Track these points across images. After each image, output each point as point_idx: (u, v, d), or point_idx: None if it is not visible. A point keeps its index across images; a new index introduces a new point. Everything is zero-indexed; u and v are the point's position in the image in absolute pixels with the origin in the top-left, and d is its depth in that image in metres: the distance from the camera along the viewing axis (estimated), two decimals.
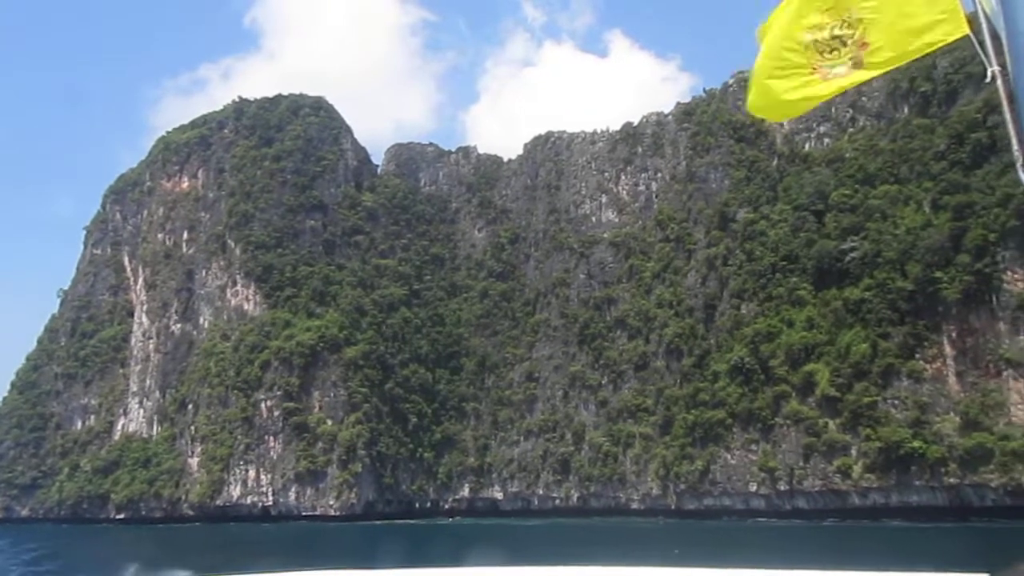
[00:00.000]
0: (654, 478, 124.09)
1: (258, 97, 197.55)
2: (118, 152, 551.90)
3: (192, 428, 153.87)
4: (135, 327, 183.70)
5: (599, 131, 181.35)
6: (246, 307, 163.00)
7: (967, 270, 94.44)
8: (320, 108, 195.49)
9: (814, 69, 4.68)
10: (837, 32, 4.58)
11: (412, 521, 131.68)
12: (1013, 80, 3.54)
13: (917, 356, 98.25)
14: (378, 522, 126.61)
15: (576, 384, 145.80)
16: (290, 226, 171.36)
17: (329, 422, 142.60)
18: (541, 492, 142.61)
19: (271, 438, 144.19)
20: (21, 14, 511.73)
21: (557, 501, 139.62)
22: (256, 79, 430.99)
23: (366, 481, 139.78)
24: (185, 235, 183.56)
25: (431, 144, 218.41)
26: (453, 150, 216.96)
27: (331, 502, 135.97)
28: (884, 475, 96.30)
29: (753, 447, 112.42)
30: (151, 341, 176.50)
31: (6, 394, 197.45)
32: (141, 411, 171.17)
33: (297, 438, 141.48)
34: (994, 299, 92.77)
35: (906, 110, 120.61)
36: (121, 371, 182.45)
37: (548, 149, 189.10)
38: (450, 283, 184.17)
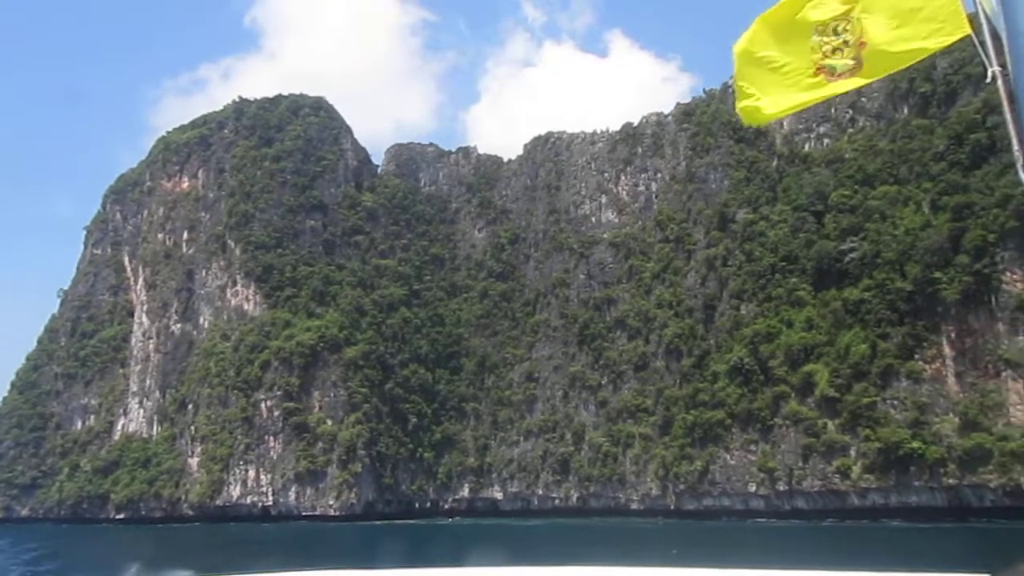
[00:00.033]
0: (653, 478, 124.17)
1: (258, 97, 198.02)
2: (118, 152, 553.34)
3: (192, 428, 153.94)
4: (135, 327, 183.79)
5: (599, 131, 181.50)
6: (246, 307, 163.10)
7: (966, 271, 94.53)
8: (320, 108, 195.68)
9: (817, 70, 4.72)
10: (838, 33, 4.61)
11: (412, 521, 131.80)
12: (1013, 80, 3.56)
13: (916, 357, 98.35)
14: (378, 522, 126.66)
15: (576, 384, 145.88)
16: (290, 226, 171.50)
17: (329, 422, 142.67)
18: (541, 492, 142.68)
19: (271, 438, 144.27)
20: (21, 14, 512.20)
21: (557, 501, 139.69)
22: (256, 79, 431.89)
23: (366, 481, 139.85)
24: (185, 235, 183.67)
25: (431, 144, 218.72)
26: (453, 150, 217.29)
27: (331, 502, 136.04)
28: (883, 475, 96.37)
29: (752, 447, 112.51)
30: (151, 341, 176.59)
31: (6, 394, 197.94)
32: (141, 411, 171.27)
33: (297, 438, 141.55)
34: (993, 300, 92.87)
35: (906, 111, 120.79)
36: (121, 371, 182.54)
37: (548, 149, 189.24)
38: (450, 283, 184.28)
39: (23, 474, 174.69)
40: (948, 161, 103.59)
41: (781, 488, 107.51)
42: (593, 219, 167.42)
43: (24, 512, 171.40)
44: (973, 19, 4.05)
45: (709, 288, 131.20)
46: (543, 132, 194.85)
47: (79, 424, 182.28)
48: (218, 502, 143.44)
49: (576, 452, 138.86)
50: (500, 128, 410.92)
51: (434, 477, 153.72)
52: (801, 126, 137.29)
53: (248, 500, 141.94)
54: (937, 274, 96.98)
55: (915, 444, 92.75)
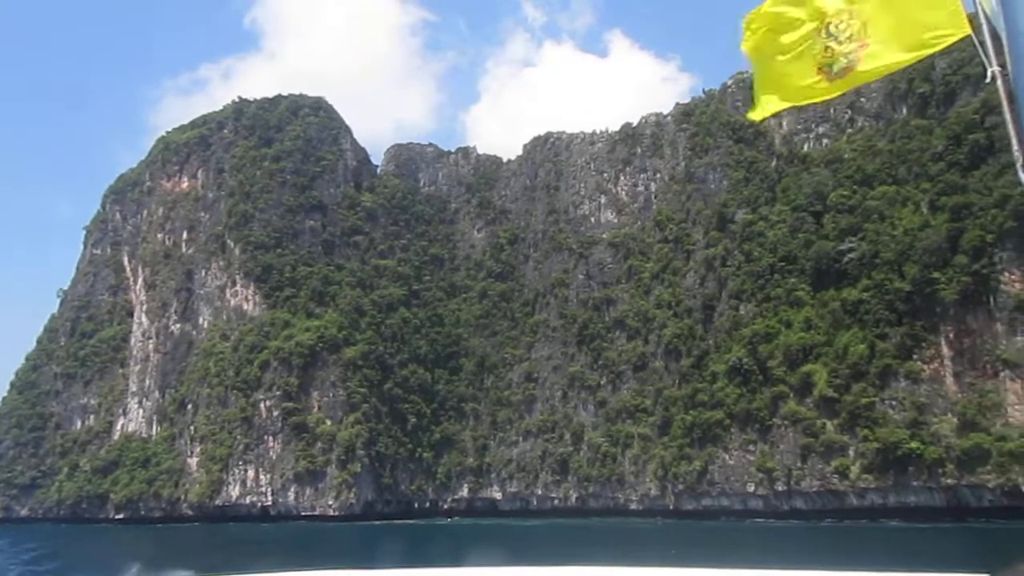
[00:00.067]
0: (652, 478, 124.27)
1: (258, 97, 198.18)
2: (118, 152, 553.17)
3: (191, 428, 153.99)
4: (134, 327, 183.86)
5: (598, 132, 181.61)
6: (245, 307, 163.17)
7: (964, 271, 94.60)
8: (320, 108, 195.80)
9: (817, 69, 4.75)
10: (839, 33, 4.63)
11: (411, 521, 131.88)
12: (1013, 80, 3.57)
13: (915, 357, 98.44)
14: (377, 522, 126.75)
15: (575, 384, 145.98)
16: (289, 226, 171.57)
17: (328, 422, 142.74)
18: (540, 492, 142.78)
19: (270, 438, 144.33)
20: (22, 14, 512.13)
21: (556, 501, 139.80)
22: (256, 79, 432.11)
23: (365, 481, 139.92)
24: (185, 235, 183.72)
25: (430, 144, 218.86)
26: (452, 150, 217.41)
27: (330, 502, 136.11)
28: (882, 476, 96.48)
29: (751, 447, 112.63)
30: (150, 341, 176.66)
31: (6, 394, 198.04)
32: (140, 411, 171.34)
33: (296, 438, 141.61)
34: (991, 300, 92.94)
35: (904, 111, 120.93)
36: (120, 371, 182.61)
37: (547, 150, 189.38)
38: (449, 283, 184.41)
39: (22, 474, 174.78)
40: (947, 161, 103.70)
41: (780, 488, 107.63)
42: (592, 219, 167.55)
43: (23, 512, 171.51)
44: (973, 19, 4.07)
45: (708, 288, 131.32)
46: (543, 132, 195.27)
47: (78, 424, 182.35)
48: (217, 502, 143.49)
49: (575, 452, 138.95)
50: (500, 128, 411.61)
51: (433, 477, 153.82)
52: (800, 126, 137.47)
53: (247, 500, 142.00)
54: (935, 274, 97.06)
55: (913, 444, 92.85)
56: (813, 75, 4.78)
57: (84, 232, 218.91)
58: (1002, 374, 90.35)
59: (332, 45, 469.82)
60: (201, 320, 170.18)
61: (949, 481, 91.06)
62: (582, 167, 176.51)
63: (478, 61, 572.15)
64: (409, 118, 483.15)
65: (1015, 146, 3.57)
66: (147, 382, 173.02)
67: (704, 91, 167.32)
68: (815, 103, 5.08)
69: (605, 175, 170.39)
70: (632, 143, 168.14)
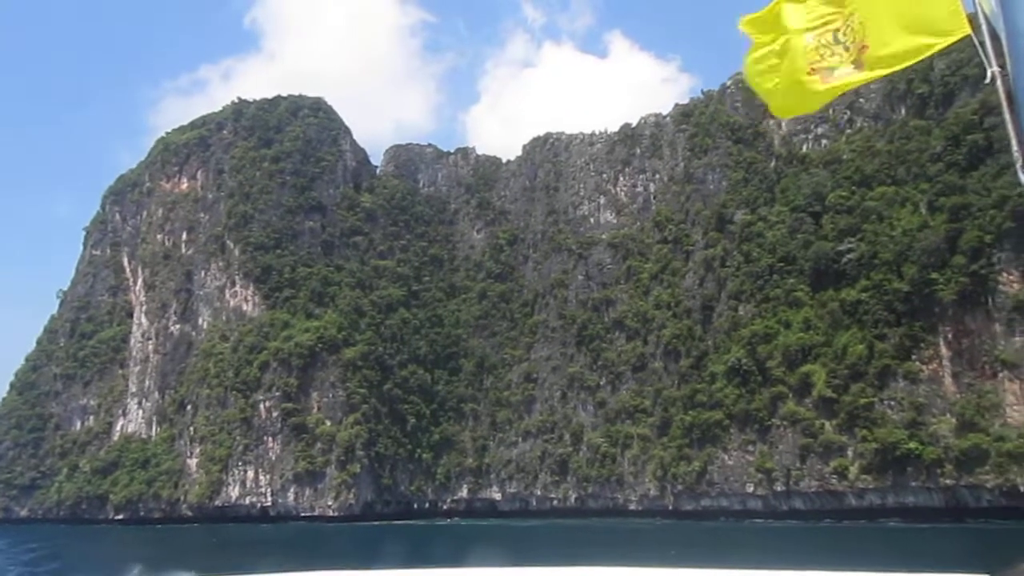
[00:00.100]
0: (652, 479, 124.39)
1: (257, 98, 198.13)
2: (118, 153, 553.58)
3: (191, 429, 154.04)
4: (134, 328, 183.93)
5: (597, 132, 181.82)
6: (245, 308, 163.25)
7: (963, 272, 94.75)
8: (319, 109, 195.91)
9: (813, 71, 4.71)
10: (838, 34, 4.62)
11: (410, 522, 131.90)
12: (1013, 81, 3.58)
13: (913, 357, 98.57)
14: (376, 523, 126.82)
15: (574, 385, 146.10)
16: (289, 227, 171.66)
17: (328, 423, 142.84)
18: (539, 493, 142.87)
19: (270, 439, 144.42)
20: (22, 15, 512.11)
21: (555, 502, 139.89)
22: (256, 80, 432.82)
23: (364, 482, 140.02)
24: (184, 236, 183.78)
25: (430, 145, 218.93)
26: (452, 151, 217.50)
27: (330, 503, 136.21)
28: (880, 476, 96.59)
29: (750, 448, 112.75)
30: (150, 342, 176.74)
31: (5, 395, 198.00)
32: (140, 412, 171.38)
33: (296, 439, 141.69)
34: (990, 300, 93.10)
35: (903, 111, 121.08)
36: (120, 372, 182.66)
37: (547, 150, 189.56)
38: (449, 284, 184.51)
39: (22, 475, 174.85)
40: (945, 162, 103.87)
41: (779, 488, 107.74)
42: (591, 220, 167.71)
43: (23, 513, 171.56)
44: (972, 19, 4.05)
45: (707, 289, 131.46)
46: (542, 133, 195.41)
47: (78, 425, 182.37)
48: (217, 503, 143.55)
49: (574, 453, 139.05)
50: (500, 129, 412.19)
51: (433, 478, 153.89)
52: (799, 127, 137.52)
53: (247, 501, 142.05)
54: (934, 275, 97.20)
55: (912, 444, 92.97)
56: (814, 79, 4.74)
57: (84, 233, 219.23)
58: (1000, 374, 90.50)
59: (332, 46, 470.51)
60: (201, 321, 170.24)
61: (948, 481, 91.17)
62: (581, 168, 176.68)
63: (478, 62, 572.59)
64: (409, 119, 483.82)
65: (1015, 147, 3.57)
66: (147, 383, 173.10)
67: (703, 92, 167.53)
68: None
69: (604, 176, 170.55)
70: (631, 144, 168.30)
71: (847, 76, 4.59)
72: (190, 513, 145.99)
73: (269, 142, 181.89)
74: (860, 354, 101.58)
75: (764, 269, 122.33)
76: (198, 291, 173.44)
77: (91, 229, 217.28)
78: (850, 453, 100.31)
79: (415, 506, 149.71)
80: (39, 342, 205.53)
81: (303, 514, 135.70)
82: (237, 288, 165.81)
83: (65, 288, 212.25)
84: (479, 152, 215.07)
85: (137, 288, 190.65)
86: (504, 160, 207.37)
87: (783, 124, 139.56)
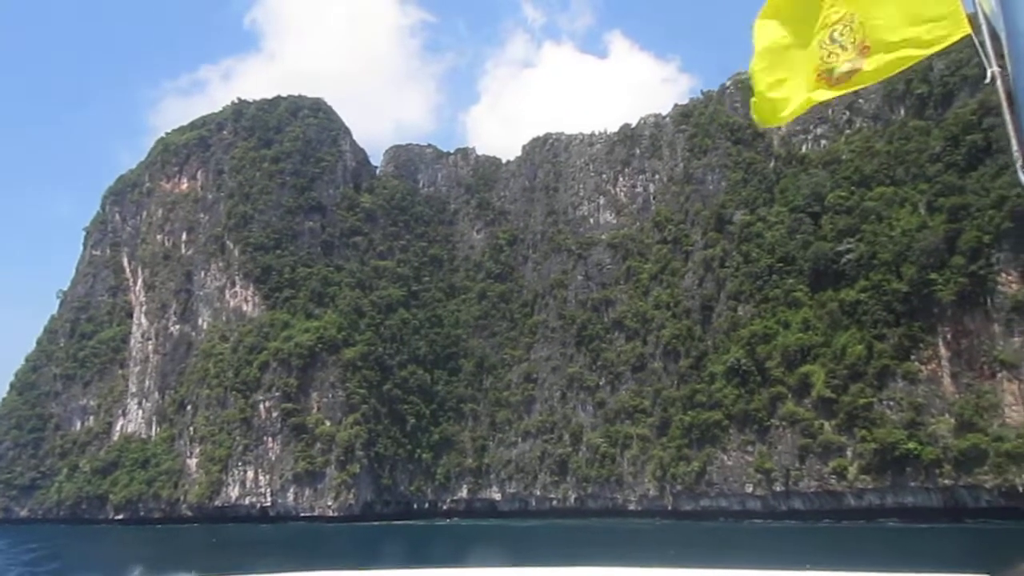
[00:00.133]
0: (651, 479, 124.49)
1: (257, 98, 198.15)
2: (118, 153, 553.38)
3: (191, 429, 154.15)
4: (134, 328, 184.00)
5: (597, 133, 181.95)
6: (245, 308, 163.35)
7: (962, 272, 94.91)
8: (319, 109, 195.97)
9: (818, 74, 4.70)
10: (838, 35, 4.60)
11: (410, 522, 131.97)
12: (1013, 81, 3.54)
13: (912, 358, 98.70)
14: (376, 523, 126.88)
15: (574, 385, 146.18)
16: (289, 227, 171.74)
17: (327, 423, 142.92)
18: (539, 493, 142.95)
19: (269, 439, 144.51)
20: (22, 15, 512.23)
21: (555, 502, 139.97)
22: (256, 80, 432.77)
23: (364, 482, 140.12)
24: (184, 236, 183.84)
25: (430, 145, 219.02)
26: (452, 151, 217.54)
27: (329, 503, 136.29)
28: (879, 476, 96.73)
29: (749, 448, 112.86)
30: (150, 342, 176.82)
31: (5, 395, 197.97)
32: (140, 412, 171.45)
33: (295, 439, 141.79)
34: (988, 301, 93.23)
35: (902, 112, 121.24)
36: (120, 372, 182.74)
37: (546, 151, 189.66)
38: (448, 284, 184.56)
39: (22, 475, 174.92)
40: (944, 162, 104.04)
41: (778, 489, 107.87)
42: (591, 220, 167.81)
43: (23, 513, 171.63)
44: (972, 19, 4.01)
45: (706, 289, 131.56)
46: (542, 133, 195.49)
47: (78, 425, 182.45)
48: (217, 503, 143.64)
49: (574, 453, 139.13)
50: (500, 129, 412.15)
51: (432, 478, 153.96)
52: (798, 127, 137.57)
53: (247, 501, 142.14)
54: (933, 275, 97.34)
55: (911, 445, 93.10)
56: (814, 80, 4.74)
57: (84, 233, 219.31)
58: (999, 375, 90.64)
59: (332, 46, 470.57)
60: (200, 321, 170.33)
61: (946, 482, 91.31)
62: (581, 168, 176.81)
63: (477, 62, 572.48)
64: (409, 119, 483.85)
65: (1014, 147, 3.55)
66: (146, 383, 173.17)
67: (702, 92, 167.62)
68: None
69: (604, 176, 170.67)
70: (631, 144, 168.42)
71: (849, 78, 4.59)
72: (190, 513, 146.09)
73: (269, 142, 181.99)
74: (859, 354, 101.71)
75: (763, 269, 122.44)
76: (198, 291, 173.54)
77: (91, 229, 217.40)
78: (849, 453, 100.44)
79: (415, 506, 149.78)
80: (39, 342, 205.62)
81: (303, 514, 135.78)
82: (237, 288, 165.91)
83: (65, 288, 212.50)
84: (479, 152, 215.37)
85: (137, 288, 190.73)
86: (504, 160, 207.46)
87: (782, 125, 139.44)
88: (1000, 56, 3.63)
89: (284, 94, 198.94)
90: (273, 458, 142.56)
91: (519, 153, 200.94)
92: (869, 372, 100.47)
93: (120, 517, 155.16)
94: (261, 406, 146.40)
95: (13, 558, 78.78)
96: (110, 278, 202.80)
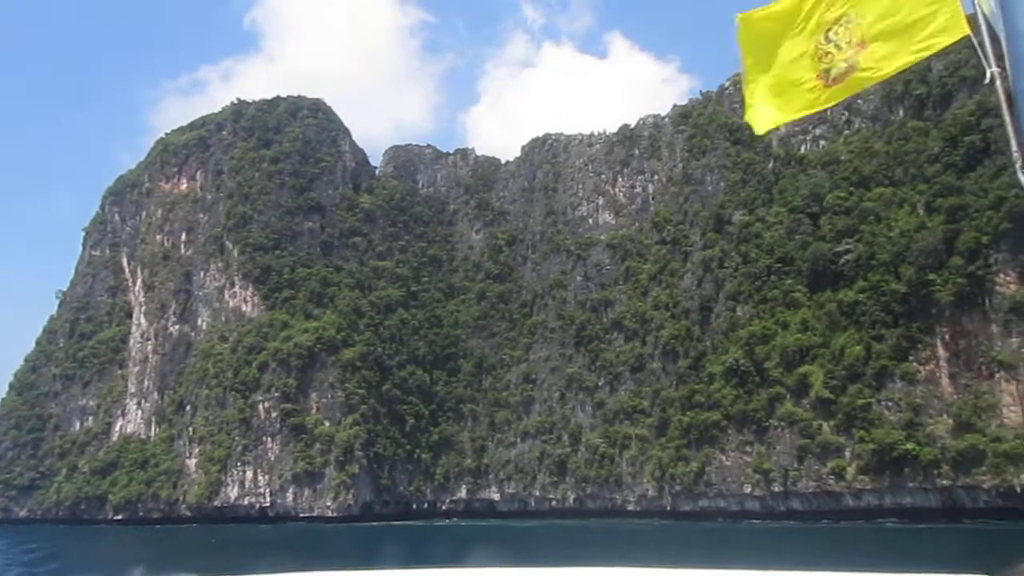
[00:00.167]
0: (650, 479, 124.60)
1: (256, 99, 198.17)
2: (118, 153, 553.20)
3: (190, 429, 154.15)
4: (133, 328, 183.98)
5: (596, 133, 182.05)
6: (244, 308, 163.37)
7: (960, 272, 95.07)
8: (318, 110, 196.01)
9: (816, 75, 4.74)
10: (838, 37, 4.62)
11: (409, 522, 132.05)
12: (1012, 81, 3.57)
13: (910, 358, 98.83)
14: (375, 523, 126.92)
15: (573, 386, 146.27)
16: (288, 228, 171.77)
17: (327, 423, 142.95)
18: (538, 493, 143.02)
19: (269, 439, 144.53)
20: (22, 15, 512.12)
21: (554, 502, 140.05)
22: (256, 80, 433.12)
23: (363, 482, 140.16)
24: (183, 236, 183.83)
25: (429, 146, 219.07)
26: (451, 152, 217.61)
27: (328, 503, 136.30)
28: (877, 477, 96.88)
29: (748, 449, 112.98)
30: (149, 342, 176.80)
31: (4, 395, 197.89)
32: (139, 412, 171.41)
33: (295, 439, 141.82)
34: (987, 301, 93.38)
35: (901, 113, 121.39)
36: (119, 372, 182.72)
37: (545, 151, 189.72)
38: (448, 285, 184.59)
39: (21, 475, 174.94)
40: (943, 163, 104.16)
41: (776, 489, 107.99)
42: (590, 221, 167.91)
43: (22, 513, 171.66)
44: (971, 20, 4.04)
45: (705, 290, 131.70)
46: (541, 134, 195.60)
47: (77, 425, 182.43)
48: (216, 503, 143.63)
49: (573, 453, 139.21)
50: (500, 129, 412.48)
51: (431, 478, 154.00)
52: (797, 128, 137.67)
53: (246, 501, 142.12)
54: (931, 276, 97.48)
55: (909, 445, 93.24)
56: (813, 81, 4.76)
57: (83, 233, 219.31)
58: (997, 375, 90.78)
59: (332, 46, 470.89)
60: (200, 321, 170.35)
61: (945, 482, 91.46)
62: (580, 169, 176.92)
63: (477, 62, 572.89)
64: (408, 119, 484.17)
65: (1014, 147, 3.58)
66: (146, 383, 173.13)
67: (701, 93, 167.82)
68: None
69: (603, 176, 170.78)
70: (630, 145, 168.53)
71: (848, 80, 4.61)
72: (189, 513, 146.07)
73: (268, 143, 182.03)
74: (857, 355, 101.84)
75: (762, 270, 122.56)
76: (197, 292, 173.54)
77: (90, 230, 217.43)
78: (847, 454, 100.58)
79: (414, 506, 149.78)
80: (38, 343, 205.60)
81: (302, 515, 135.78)
82: (236, 289, 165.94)
83: (64, 289, 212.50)
84: (478, 153, 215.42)
85: (136, 289, 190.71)
86: (503, 161, 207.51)
87: (781, 125, 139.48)
88: (999, 57, 3.68)
89: (284, 94, 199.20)
90: (272, 458, 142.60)
91: (518, 153, 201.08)
92: (867, 373, 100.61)
93: (119, 517, 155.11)
94: (260, 406, 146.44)
95: (12, 558, 78.85)
96: (109, 278, 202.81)
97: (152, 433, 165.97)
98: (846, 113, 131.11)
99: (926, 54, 4.32)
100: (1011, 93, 3.57)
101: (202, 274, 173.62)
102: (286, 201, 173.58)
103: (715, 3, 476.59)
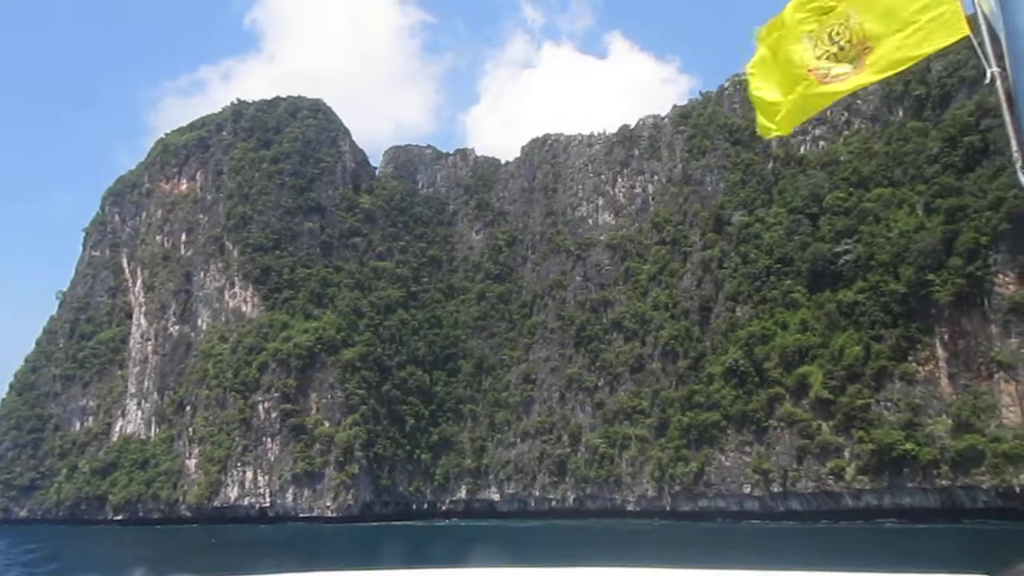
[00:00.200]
0: (649, 480, 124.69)
1: (256, 99, 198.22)
2: (118, 153, 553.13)
3: (190, 430, 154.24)
4: (133, 329, 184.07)
5: (596, 134, 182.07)
6: (244, 309, 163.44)
7: (959, 273, 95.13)
8: (318, 110, 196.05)
9: (809, 71, 4.77)
10: (837, 37, 4.64)
11: (409, 523, 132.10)
12: (1012, 82, 3.57)
13: (910, 358, 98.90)
14: (375, 523, 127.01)
15: (572, 386, 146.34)
16: (288, 228, 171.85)
17: (326, 424, 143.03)
18: (537, 494, 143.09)
19: (268, 440, 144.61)
20: (22, 15, 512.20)
21: (553, 503, 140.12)
22: (256, 80, 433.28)
23: (363, 482, 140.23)
24: (183, 237, 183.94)
25: (429, 146, 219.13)
26: (451, 152, 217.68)
27: (328, 503, 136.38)
28: (877, 477, 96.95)
29: (747, 449, 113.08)
30: (149, 343, 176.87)
31: (5, 396, 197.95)
32: (139, 413, 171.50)
33: (294, 440, 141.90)
34: (985, 302, 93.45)
35: (900, 113, 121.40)
36: (119, 373, 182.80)
37: (545, 152, 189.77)
38: (447, 285, 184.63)
39: (21, 475, 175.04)
40: (942, 164, 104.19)
41: (775, 489, 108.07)
42: (590, 221, 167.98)
43: (22, 513, 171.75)
44: (971, 20, 4.04)
45: (705, 290, 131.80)
46: (541, 134, 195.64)
47: (77, 425, 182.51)
48: (216, 503, 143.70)
49: (573, 454, 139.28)
50: (500, 129, 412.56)
51: (431, 478, 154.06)
52: (796, 128, 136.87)
53: (246, 501, 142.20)
54: (930, 276, 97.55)
55: (908, 446, 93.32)
56: (813, 82, 4.78)
57: (83, 234, 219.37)
58: (996, 376, 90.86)
59: (332, 46, 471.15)
60: (200, 322, 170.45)
61: (944, 482, 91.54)
62: (580, 169, 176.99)
63: (477, 63, 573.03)
64: (408, 119, 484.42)
65: (1014, 148, 3.57)
66: (146, 384, 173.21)
67: (701, 93, 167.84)
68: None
69: (603, 177, 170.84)
70: (629, 145, 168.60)
71: (848, 79, 4.62)
72: (189, 514, 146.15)
73: (268, 143, 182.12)
74: (857, 355, 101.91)
75: (761, 270, 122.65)
76: (197, 292, 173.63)
77: (90, 230, 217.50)
78: (847, 454, 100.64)
79: (414, 507, 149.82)
80: (38, 343, 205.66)
81: (302, 515, 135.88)
82: (236, 289, 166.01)
83: (64, 289, 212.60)
84: (478, 153, 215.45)
85: (136, 289, 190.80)
86: (503, 161, 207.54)
87: (786, 134, 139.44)
88: (999, 57, 3.69)
89: (284, 95, 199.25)
90: (272, 459, 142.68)
91: (518, 154, 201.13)
92: (867, 373, 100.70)
93: (119, 518, 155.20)
94: (260, 407, 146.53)
95: (12, 558, 78.93)
96: (109, 279, 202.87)
97: (152, 433, 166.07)
98: (845, 114, 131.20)
99: (926, 54, 4.33)
100: (1011, 93, 3.59)
101: (202, 274, 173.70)
102: (286, 201, 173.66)
103: (715, 3, 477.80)
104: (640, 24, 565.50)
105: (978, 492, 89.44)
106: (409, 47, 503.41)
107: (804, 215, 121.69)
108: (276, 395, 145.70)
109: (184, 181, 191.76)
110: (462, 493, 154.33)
